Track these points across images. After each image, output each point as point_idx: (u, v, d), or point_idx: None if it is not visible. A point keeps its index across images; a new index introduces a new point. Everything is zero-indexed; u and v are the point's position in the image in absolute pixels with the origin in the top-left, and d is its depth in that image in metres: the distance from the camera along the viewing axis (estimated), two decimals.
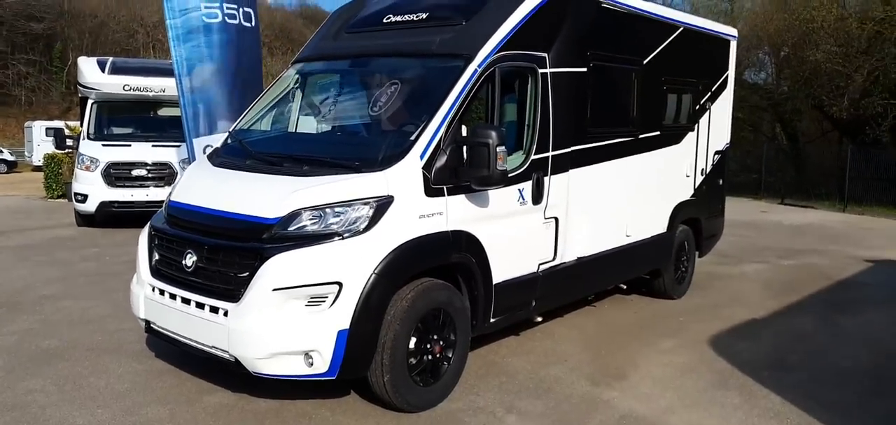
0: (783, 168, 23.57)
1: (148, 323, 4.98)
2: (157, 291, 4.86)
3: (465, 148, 4.74)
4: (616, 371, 5.66)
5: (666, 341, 6.47)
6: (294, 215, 4.37)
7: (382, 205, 4.43)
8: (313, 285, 4.23)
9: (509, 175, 5.00)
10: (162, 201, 11.60)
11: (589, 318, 7.05)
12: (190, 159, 7.82)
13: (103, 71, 12.65)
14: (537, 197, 5.48)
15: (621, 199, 6.67)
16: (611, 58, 6.28)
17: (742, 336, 6.72)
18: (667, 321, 7.14)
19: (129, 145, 12.30)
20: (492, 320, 5.28)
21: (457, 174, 4.77)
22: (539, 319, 6.05)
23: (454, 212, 4.81)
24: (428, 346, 4.73)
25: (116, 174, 11.92)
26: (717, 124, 8.36)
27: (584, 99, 5.94)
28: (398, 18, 5.72)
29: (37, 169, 31.36)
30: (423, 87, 5.25)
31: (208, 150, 5.98)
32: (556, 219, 5.73)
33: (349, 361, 4.29)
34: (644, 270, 7.44)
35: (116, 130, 12.82)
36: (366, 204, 4.40)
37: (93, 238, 11.24)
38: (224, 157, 5.38)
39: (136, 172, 12.03)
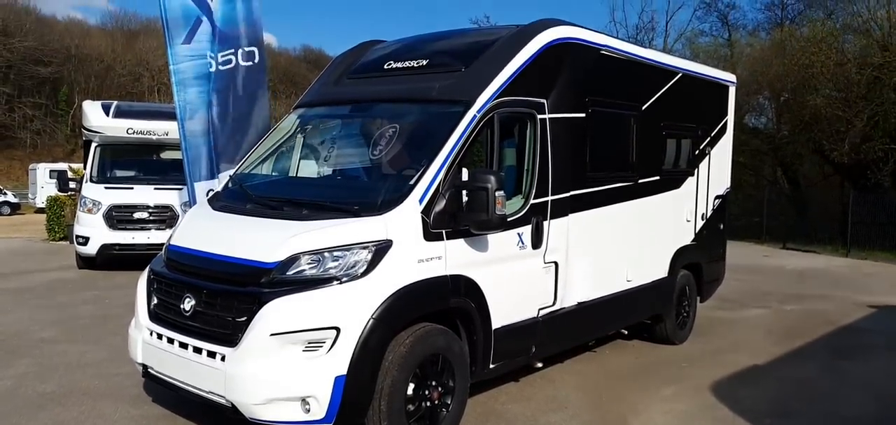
0: (785, 212, 23.57)
1: (145, 367, 4.94)
2: (155, 335, 4.84)
3: (463, 192, 4.76)
4: (617, 419, 5.59)
5: (667, 388, 6.41)
6: (293, 259, 4.37)
7: (381, 249, 4.43)
8: (310, 330, 4.21)
9: (508, 219, 5.01)
10: (163, 244, 11.93)
11: (589, 364, 6.99)
12: (190, 203, 7.86)
13: (107, 114, 12.79)
14: (537, 241, 5.48)
15: (622, 244, 6.67)
16: (610, 103, 6.33)
17: (744, 382, 6.65)
18: (668, 367, 7.08)
19: (132, 188, 12.36)
20: (491, 366, 5.24)
21: (456, 218, 4.78)
22: (539, 365, 6.00)
23: (453, 257, 4.81)
24: (426, 392, 4.69)
25: (118, 217, 11.96)
26: (718, 169, 8.39)
27: (582, 144, 5.98)
28: (399, 65, 5.79)
29: (40, 211, 31.49)
30: (423, 133, 5.29)
31: (210, 194, 6.00)
32: (556, 264, 5.72)
33: (346, 407, 4.25)
34: (645, 315, 7.40)
35: (119, 173, 12.89)
36: (364, 248, 4.40)
37: (93, 281, 11.22)
38: (225, 201, 5.40)
39: (137, 215, 12.06)
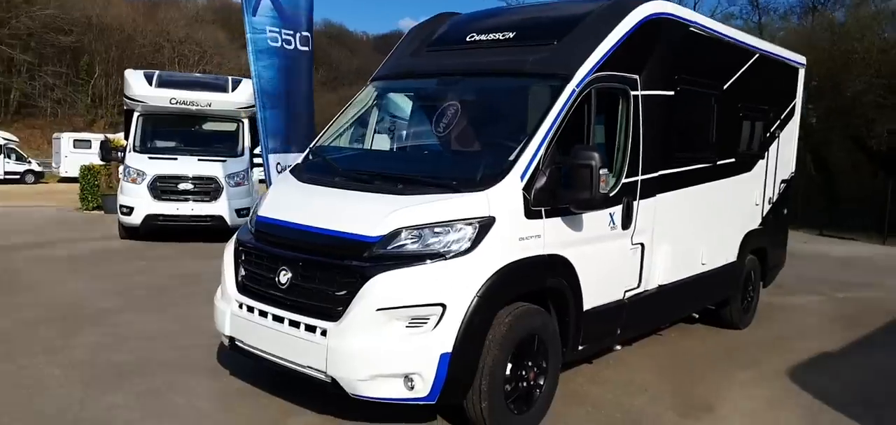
0: (815, 199, 23.24)
1: (233, 340, 4.88)
2: (245, 308, 4.77)
3: (564, 169, 4.64)
4: (701, 403, 5.50)
5: (743, 372, 6.30)
6: (395, 234, 4.28)
7: (485, 225, 4.32)
8: (417, 306, 4.13)
9: None
10: (207, 216, 11.90)
11: (659, 347, 6.88)
12: (266, 174, 7.77)
13: (150, 84, 12.71)
14: (627, 221, 5.36)
15: (700, 226, 6.53)
16: (695, 82, 6.17)
17: (820, 370, 6.52)
18: (738, 352, 6.96)
19: (176, 158, 12.30)
20: (580, 348, 5.15)
21: (555, 196, 4.66)
22: (617, 348, 5.90)
23: (551, 235, 4.70)
24: (523, 373, 4.61)
25: (163, 187, 11.91)
26: (785, 153, 8.21)
27: (671, 123, 5.82)
28: (483, 37, 5.65)
29: (64, 180, 31.66)
30: (519, 106, 5.16)
31: (280, 168, 5.91)
32: (643, 245, 5.61)
33: (450, 385, 4.18)
34: (717, 299, 7.27)
35: (162, 144, 12.85)
36: (469, 224, 4.30)
37: (139, 251, 11.20)
38: (310, 174, 5.30)
39: (182, 186, 12.01)
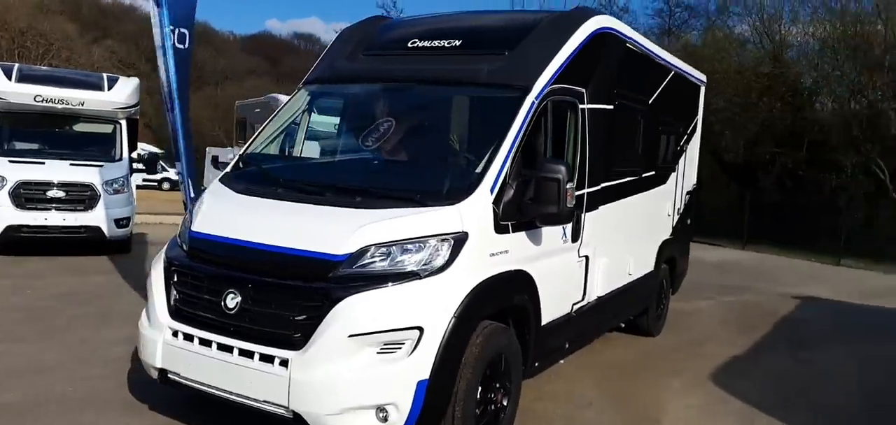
0: None
1: (164, 372, 4.31)
2: (181, 336, 4.23)
3: (530, 182, 4.50)
4: (645, 414, 5.58)
5: (671, 380, 6.49)
6: (363, 252, 3.95)
7: (459, 241, 4.09)
8: (393, 330, 3.81)
9: None
10: (81, 227, 10.73)
11: (588, 358, 6.90)
12: (185, 179, 6.92)
13: (9, 78, 11.28)
14: (575, 234, 5.33)
15: (628, 238, 6.65)
16: (628, 97, 6.27)
17: (736, 375, 6.81)
18: (659, 359, 7.18)
19: (42, 163, 10.96)
20: (536, 364, 5.03)
21: (521, 210, 4.52)
22: (560, 361, 5.86)
23: (516, 251, 4.55)
24: (491, 396, 4.41)
25: (27, 195, 10.53)
26: (690, 165, 8.62)
27: (611, 136, 5.87)
28: (426, 44, 5.41)
29: None
30: (478, 117, 5.00)
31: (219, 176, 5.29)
32: (587, 258, 5.60)
33: (426, 415, 3.90)
34: (640, 308, 7.46)
35: (24, 146, 11.41)
36: (443, 240, 4.05)
37: (2, 268, 9.87)
38: (247, 184, 4.81)
39: (51, 194, 10.71)
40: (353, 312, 3.78)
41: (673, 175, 7.95)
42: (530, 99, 4.72)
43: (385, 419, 3.82)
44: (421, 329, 3.83)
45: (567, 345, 5.52)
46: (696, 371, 6.82)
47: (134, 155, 13.20)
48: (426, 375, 3.83)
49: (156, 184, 31.88)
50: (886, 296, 12.63)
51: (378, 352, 3.84)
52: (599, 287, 5.92)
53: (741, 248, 19.56)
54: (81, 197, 10.83)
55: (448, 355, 3.91)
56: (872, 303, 11.70)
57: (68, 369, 5.68)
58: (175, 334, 4.26)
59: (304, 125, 5.72)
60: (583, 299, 5.65)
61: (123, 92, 12.20)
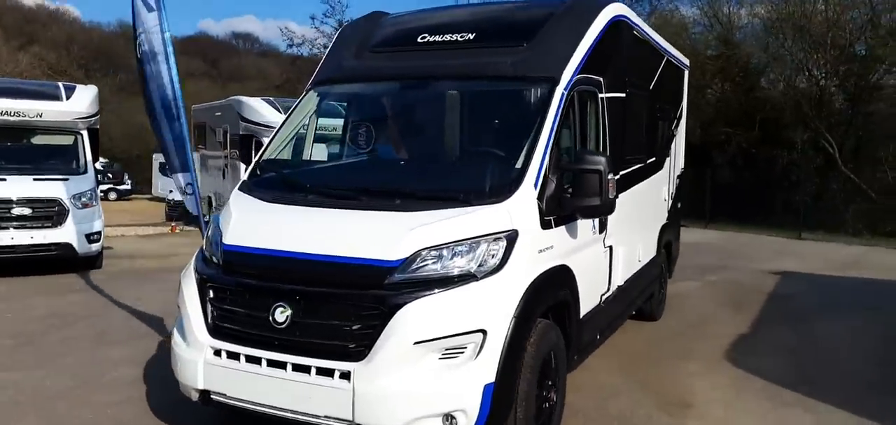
0: None
1: (206, 393, 4.11)
2: (224, 355, 4.04)
3: (566, 175, 4.46)
4: (676, 399, 5.60)
5: (688, 364, 6.55)
6: (416, 256, 3.83)
7: (510, 240, 4.01)
8: (457, 335, 3.71)
9: None
10: (51, 244, 10.23)
11: (603, 348, 6.88)
12: (196, 192, 6.57)
13: None
14: (603, 224, 5.31)
15: (637, 224, 6.68)
16: (636, 84, 6.29)
17: (747, 353, 6.94)
18: (668, 343, 7.26)
19: (4, 179, 10.40)
20: (575, 358, 5.00)
21: (561, 203, 4.46)
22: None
23: (559, 245, 4.49)
24: (545, 394, 4.35)
25: None
26: (679, 149, 8.73)
27: (625, 124, 5.87)
28: (437, 38, 5.28)
29: None
30: (510, 112, 4.90)
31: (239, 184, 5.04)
32: (611, 248, 5.60)
33: (492, 419, 3.80)
34: (648, 294, 7.51)
35: None
36: (496, 239, 3.96)
37: None
38: (275, 192, 4.62)
39: (16, 211, 10.17)
40: (418, 318, 3.66)
41: (667, 159, 8.03)
42: (560, 90, 4.65)
43: None
44: (484, 331, 3.74)
45: (598, 336, 5.51)
46: (708, 352, 6.91)
47: (97, 166, 12.71)
48: (492, 378, 3.74)
49: (102, 194, 30.74)
50: (853, 266, 13.11)
51: (440, 358, 3.73)
52: (620, 276, 5.93)
53: (704, 228, 20.00)
54: (49, 213, 10.34)
55: (511, 356, 3.83)
56: (845, 274, 12.10)
57: (80, 395, 5.39)
58: (217, 353, 4.06)
59: (313, 128, 5.55)
60: (608, 289, 5.65)
61: (83, 101, 11.72)
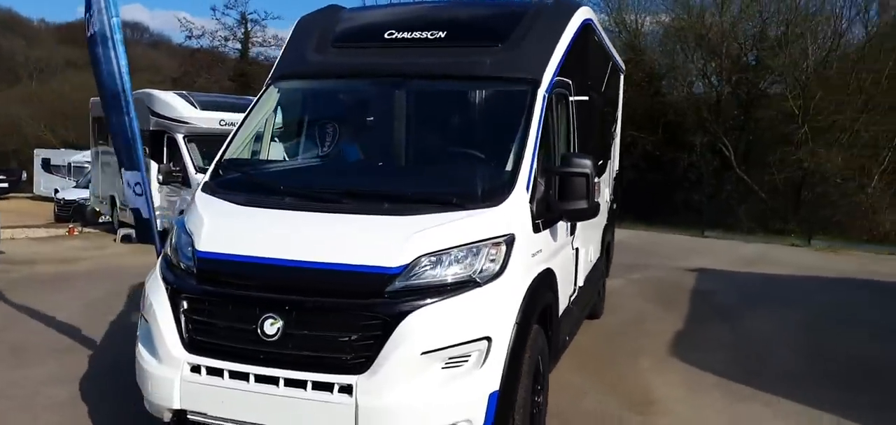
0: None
1: (182, 413, 3.79)
2: (204, 372, 3.73)
3: (555, 179, 4.43)
4: (639, 397, 5.73)
5: (639, 360, 6.73)
6: (416, 262, 3.68)
7: (509, 244, 3.92)
8: (464, 343, 3.58)
9: None
10: None
11: None
12: (147, 192, 5.89)
13: None
14: (573, 227, 5.34)
15: (590, 226, 6.75)
16: (593, 87, 6.36)
17: (690, 348, 7.19)
18: (617, 342, 7.43)
19: None
20: (551, 362, 4.98)
21: (548, 207, 4.43)
22: None
23: (545, 249, 4.46)
24: (536, 399, 4.30)
25: None
26: (617, 152, 8.96)
27: (589, 128, 5.93)
28: (406, 35, 5.12)
29: None
30: (491, 113, 4.82)
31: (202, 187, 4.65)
32: (577, 249, 5.64)
33: None
34: (596, 293, 7.63)
35: None
36: (496, 244, 3.86)
37: None
38: (246, 194, 4.32)
39: None
40: (425, 327, 3.51)
41: (609, 162, 8.21)
42: (541, 92, 4.62)
43: None
44: (489, 339, 3.64)
45: (568, 338, 5.52)
46: (654, 349, 7.13)
47: None
48: (497, 386, 3.65)
49: None
50: (758, 262, 13.93)
51: (443, 368, 3.59)
52: (581, 277, 6.01)
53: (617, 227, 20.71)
54: None
55: (513, 363, 3.75)
56: (753, 270, 12.84)
57: (17, 421, 4.84)
58: (195, 369, 3.74)
59: (272, 125, 5.26)
60: (574, 290, 5.69)
61: None
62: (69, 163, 34.05)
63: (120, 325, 7.57)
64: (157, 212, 13.94)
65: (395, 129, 4.83)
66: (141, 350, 4.01)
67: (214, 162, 4.82)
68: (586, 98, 5.81)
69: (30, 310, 8.04)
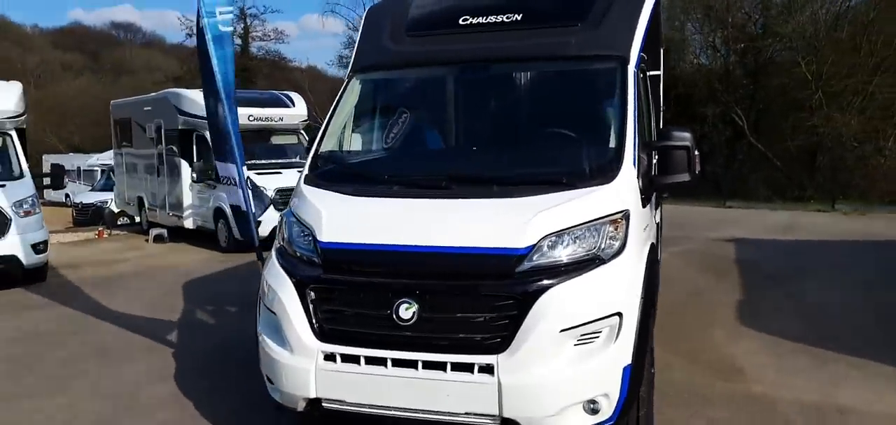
0: None
1: (317, 401, 3.86)
2: (339, 359, 3.79)
3: (657, 153, 4.48)
4: (726, 365, 5.82)
5: (712, 331, 6.82)
6: (542, 242, 3.74)
7: (626, 220, 3.98)
8: (598, 319, 3.64)
9: None
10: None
11: None
12: (243, 186, 5.86)
13: None
14: (658, 202, 5.42)
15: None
16: (657, 63, 6.41)
17: (757, 316, 7.27)
18: (683, 313, 7.49)
19: None
20: None
21: (652, 181, 4.48)
22: None
23: (650, 223, 4.53)
24: (651, 370, 4.37)
25: None
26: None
27: (658, 102, 5.99)
28: (481, 20, 5.13)
29: None
30: (587, 92, 4.85)
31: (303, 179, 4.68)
32: (659, 224, 5.71)
33: (629, 400, 3.78)
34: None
35: None
36: (615, 221, 3.92)
37: None
38: (349, 184, 4.37)
39: None
40: (562, 305, 3.57)
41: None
42: (631, 68, 4.66)
43: (595, 411, 3.66)
44: (620, 314, 3.70)
45: (653, 310, 5.59)
46: (722, 319, 7.21)
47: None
48: (630, 360, 3.71)
49: None
50: (790, 230, 14.01)
51: (575, 344, 3.66)
52: (659, 250, 6.07)
53: None
54: None
55: (641, 336, 3.81)
56: (788, 238, 12.93)
57: (125, 420, 4.92)
58: (329, 357, 3.80)
59: (359, 116, 5.31)
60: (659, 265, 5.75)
61: (10, 98, 10.73)
62: (79, 168, 34.06)
63: (188, 323, 7.65)
64: (189, 211, 14.08)
65: (486, 114, 4.87)
66: (267, 341, 4.06)
67: (311, 154, 4.86)
68: (659, 72, 5.88)
69: (96, 312, 8.11)
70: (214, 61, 5.57)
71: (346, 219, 4.10)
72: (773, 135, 25.29)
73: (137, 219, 16.95)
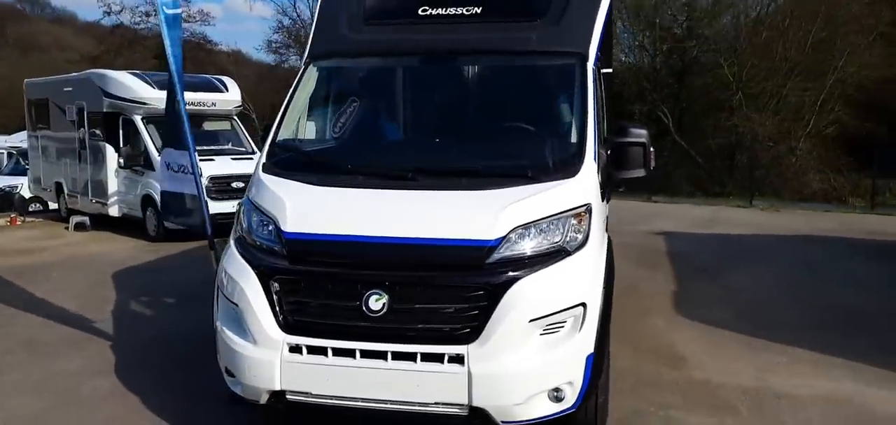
0: None
1: (282, 394, 3.79)
2: (305, 351, 3.74)
3: (611, 149, 4.61)
4: (668, 353, 6.06)
5: (653, 320, 7.10)
6: (510, 234, 3.80)
7: (589, 214, 4.08)
8: (564, 310, 3.73)
9: None
10: None
11: None
12: (196, 174, 5.57)
13: None
14: (609, 196, 5.55)
15: None
16: (608, 61, 6.57)
17: (693, 306, 7.59)
18: (621, 302, 7.45)
19: None
20: None
21: (610, 177, 4.61)
22: None
23: (607, 217, 4.66)
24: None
25: None
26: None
27: (609, 99, 6.14)
28: (441, 11, 5.14)
29: None
30: (546, 87, 4.92)
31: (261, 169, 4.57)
32: (607, 217, 5.87)
33: (590, 388, 3.89)
34: None
35: None
36: (578, 214, 4.01)
37: None
38: (310, 174, 4.29)
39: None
40: (531, 296, 3.64)
41: None
42: (590, 65, 4.78)
43: (559, 399, 3.75)
44: (584, 304, 3.80)
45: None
46: (659, 309, 7.50)
47: None
48: (592, 348, 3.82)
49: None
50: (713, 224, 14.65)
51: (541, 334, 3.74)
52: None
53: None
54: None
55: (603, 326, 3.94)
56: (712, 232, 13.52)
57: (68, 416, 4.69)
58: (295, 349, 3.75)
59: (315, 104, 5.22)
60: None
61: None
62: None
63: (122, 314, 7.34)
64: (114, 198, 13.49)
65: (447, 106, 4.88)
66: (228, 333, 3.96)
67: (268, 142, 4.75)
68: (610, 69, 6.04)
69: (19, 303, 7.67)
70: (168, 43, 5.35)
71: (310, 210, 4.03)
72: (695, 133, 26.32)
73: (54, 206, 16.10)
